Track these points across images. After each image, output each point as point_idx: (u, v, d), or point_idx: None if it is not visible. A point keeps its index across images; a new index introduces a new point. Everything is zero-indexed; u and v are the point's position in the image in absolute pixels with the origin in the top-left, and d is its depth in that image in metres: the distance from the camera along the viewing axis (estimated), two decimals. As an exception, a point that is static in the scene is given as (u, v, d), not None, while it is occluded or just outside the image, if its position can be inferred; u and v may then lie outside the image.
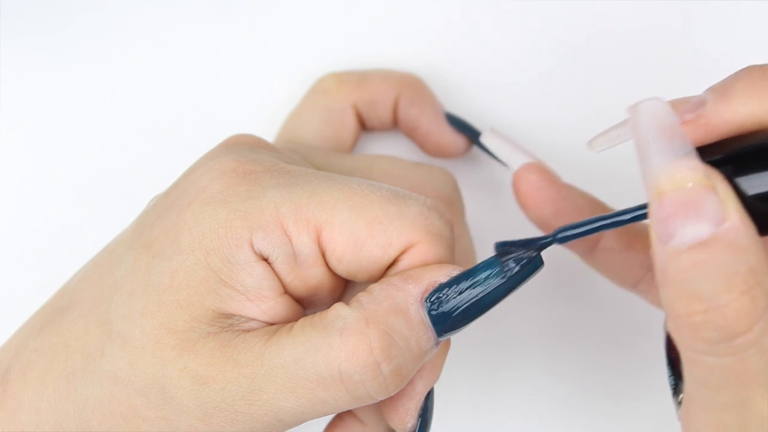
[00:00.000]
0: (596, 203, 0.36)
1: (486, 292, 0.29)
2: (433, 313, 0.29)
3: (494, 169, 0.42)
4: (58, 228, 0.42)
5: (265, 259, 0.29)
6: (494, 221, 0.42)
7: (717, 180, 0.25)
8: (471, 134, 0.40)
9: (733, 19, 0.41)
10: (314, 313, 0.32)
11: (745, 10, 0.41)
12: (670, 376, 0.29)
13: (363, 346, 0.28)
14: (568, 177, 0.36)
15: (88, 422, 0.30)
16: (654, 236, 0.25)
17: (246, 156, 0.31)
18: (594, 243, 0.36)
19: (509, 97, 0.42)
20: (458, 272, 0.29)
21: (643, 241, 0.36)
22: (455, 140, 0.40)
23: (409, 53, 0.42)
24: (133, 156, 0.42)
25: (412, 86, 0.40)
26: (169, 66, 0.42)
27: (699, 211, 0.25)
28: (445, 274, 0.29)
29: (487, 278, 0.29)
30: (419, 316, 0.29)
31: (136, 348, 0.29)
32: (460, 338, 0.32)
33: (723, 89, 0.28)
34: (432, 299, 0.29)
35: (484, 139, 0.38)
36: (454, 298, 0.29)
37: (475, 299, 0.29)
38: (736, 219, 0.25)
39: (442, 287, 0.29)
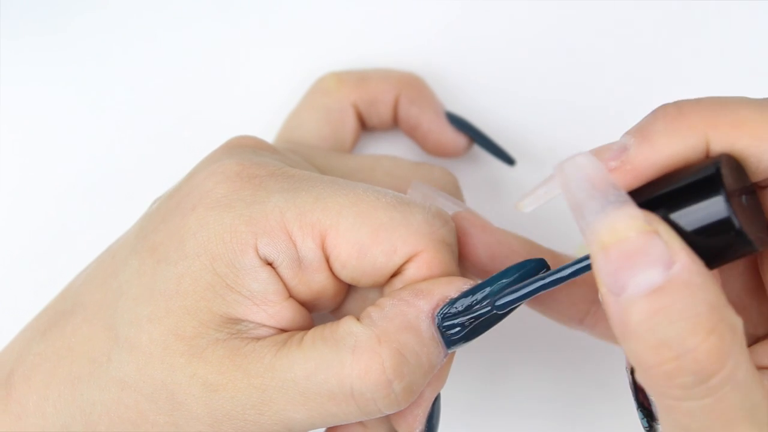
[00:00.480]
0: (531, 245, 0.35)
1: (496, 305, 0.29)
2: (444, 327, 0.29)
3: (495, 168, 0.42)
4: (58, 228, 0.42)
5: (270, 264, 0.29)
6: (494, 221, 0.42)
7: (657, 223, 0.25)
8: (471, 133, 0.40)
9: (734, 19, 0.41)
10: (317, 313, 0.32)
11: (746, 11, 0.41)
12: (642, 418, 0.29)
13: (375, 365, 0.28)
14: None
15: (96, 427, 0.30)
16: (604, 290, 0.25)
17: (250, 159, 0.31)
18: None
19: (509, 97, 0.42)
20: (468, 286, 0.29)
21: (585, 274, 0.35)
22: (456, 139, 0.40)
23: (409, 53, 0.42)
24: (134, 156, 0.42)
25: (413, 85, 0.40)
26: (169, 66, 0.42)
27: (647, 257, 0.24)
28: (455, 288, 0.29)
29: (496, 292, 0.29)
30: (430, 332, 0.29)
31: (144, 354, 0.29)
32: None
33: (643, 131, 0.28)
34: (443, 313, 0.29)
35: (410, 194, 0.35)
36: (464, 312, 0.29)
37: (485, 313, 0.29)
38: (685, 258, 0.24)
39: (452, 301, 0.29)
